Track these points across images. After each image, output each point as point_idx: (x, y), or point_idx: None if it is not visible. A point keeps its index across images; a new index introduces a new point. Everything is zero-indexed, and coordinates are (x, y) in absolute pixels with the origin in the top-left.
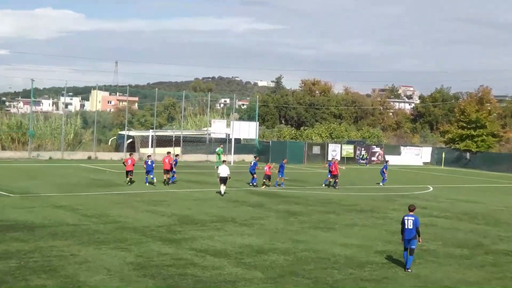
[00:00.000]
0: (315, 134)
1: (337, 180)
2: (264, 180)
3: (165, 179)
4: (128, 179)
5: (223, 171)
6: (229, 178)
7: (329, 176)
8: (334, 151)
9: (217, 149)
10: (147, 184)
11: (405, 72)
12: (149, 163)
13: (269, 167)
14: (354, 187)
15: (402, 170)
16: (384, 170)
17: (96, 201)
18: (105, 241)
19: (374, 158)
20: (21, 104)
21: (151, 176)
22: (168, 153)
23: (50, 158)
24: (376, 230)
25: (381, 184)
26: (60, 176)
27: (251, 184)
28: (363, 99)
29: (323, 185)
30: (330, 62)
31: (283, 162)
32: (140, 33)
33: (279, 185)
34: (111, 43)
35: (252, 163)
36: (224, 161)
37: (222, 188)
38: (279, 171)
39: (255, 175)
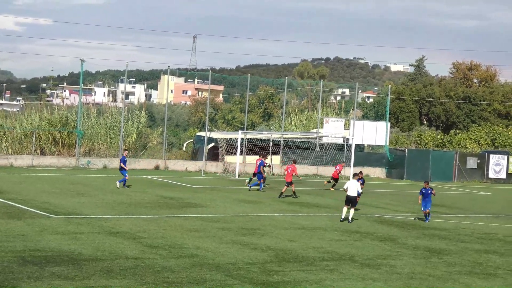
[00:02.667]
0: (471, 141)
1: None
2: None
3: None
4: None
5: (352, 187)
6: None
7: None
8: (498, 164)
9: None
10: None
11: None
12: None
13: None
14: None
15: None
16: None
17: (165, 227)
18: (177, 281)
19: None
20: (66, 92)
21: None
22: (294, 161)
23: (105, 167)
24: None
25: None
26: (117, 192)
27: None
28: None
29: None
30: (497, 38)
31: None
32: None
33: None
34: (188, 9)
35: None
36: (356, 175)
37: (345, 210)
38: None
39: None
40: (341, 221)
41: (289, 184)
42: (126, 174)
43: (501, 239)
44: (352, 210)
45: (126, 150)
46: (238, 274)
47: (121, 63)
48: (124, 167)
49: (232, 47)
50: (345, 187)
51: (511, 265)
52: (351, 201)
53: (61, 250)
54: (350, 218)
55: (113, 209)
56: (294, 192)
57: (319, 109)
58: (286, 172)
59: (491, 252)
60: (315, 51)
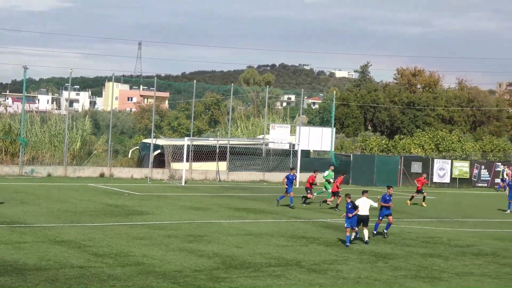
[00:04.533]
0: (415, 146)
1: None
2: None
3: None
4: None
5: (363, 206)
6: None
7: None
8: (442, 169)
9: (326, 173)
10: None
11: None
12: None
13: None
14: (470, 220)
15: None
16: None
17: (111, 235)
18: None
19: (498, 180)
20: (9, 100)
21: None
22: (343, 174)
23: (49, 175)
24: (501, 281)
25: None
26: (61, 200)
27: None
28: (485, 97)
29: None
30: (440, 44)
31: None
32: (173, 4)
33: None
34: (133, 17)
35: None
36: (365, 192)
37: (363, 232)
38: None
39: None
40: (351, 242)
41: (335, 194)
42: None
43: (445, 242)
44: (366, 230)
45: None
46: (185, 282)
47: (65, 70)
48: None
49: (177, 54)
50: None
51: (456, 268)
52: (362, 221)
53: (4, 260)
54: (366, 238)
55: (57, 218)
56: (325, 201)
57: (265, 115)
58: (330, 182)
59: (436, 256)
60: (261, 58)
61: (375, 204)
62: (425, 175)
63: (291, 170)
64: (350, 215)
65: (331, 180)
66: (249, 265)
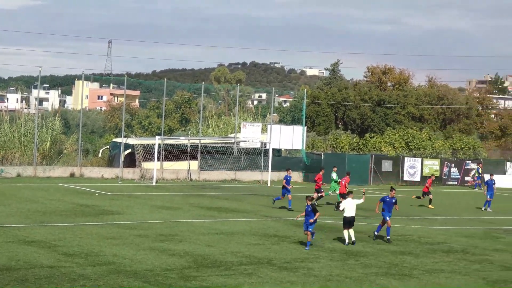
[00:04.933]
0: (386, 144)
1: None
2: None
3: None
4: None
5: (350, 207)
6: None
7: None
8: (413, 167)
9: (335, 176)
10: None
11: None
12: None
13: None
14: (440, 218)
15: (509, 194)
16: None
17: (81, 235)
18: None
19: (469, 178)
20: None
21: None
22: (348, 173)
23: (18, 175)
24: (470, 278)
25: (483, 208)
26: (31, 201)
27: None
28: (455, 95)
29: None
30: (410, 42)
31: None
32: (143, 2)
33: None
34: (103, 15)
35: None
36: (350, 193)
37: (346, 234)
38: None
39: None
40: (344, 244)
41: (343, 195)
42: None
43: (416, 240)
44: (351, 231)
45: None
46: (156, 281)
47: (35, 69)
48: None
49: (147, 52)
50: (341, 208)
51: (426, 265)
52: (349, 222)
53: None
54: (350, 239)
55: (27, 218)
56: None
57: (236, 113)
58: (340, 184)
59: (406, 253)
60: (232, 56)
61: (361, 201)
62: (433, 177)
63: (287, 170)
64: (311, 220)
65: (341, 182)
66: (220, 263)
